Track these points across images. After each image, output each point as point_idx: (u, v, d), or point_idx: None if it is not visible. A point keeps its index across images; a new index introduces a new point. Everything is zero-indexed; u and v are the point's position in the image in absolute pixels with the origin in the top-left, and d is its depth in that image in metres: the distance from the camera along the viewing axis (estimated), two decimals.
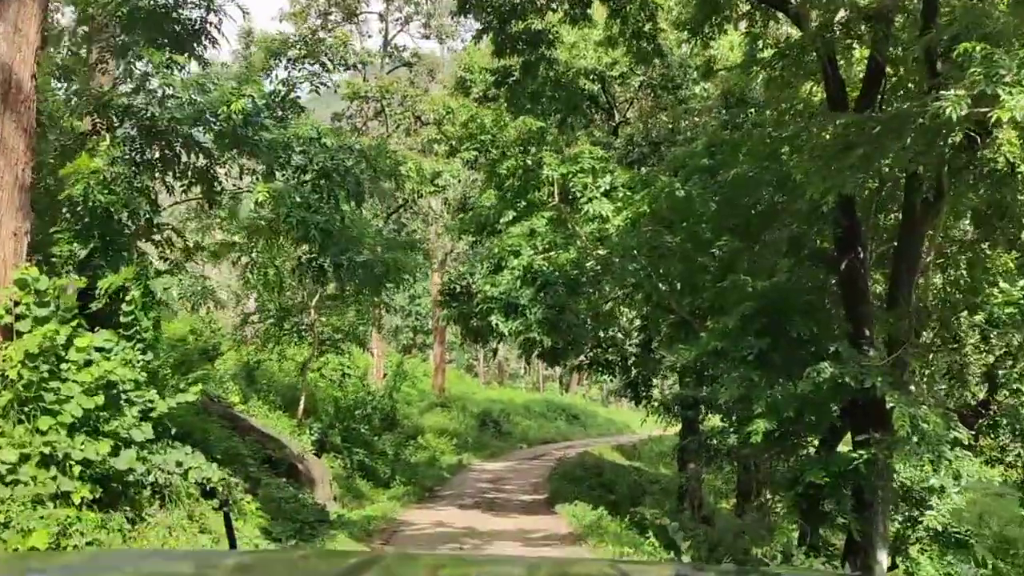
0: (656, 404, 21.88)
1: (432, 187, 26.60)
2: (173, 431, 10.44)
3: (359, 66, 34.55)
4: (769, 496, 25.28)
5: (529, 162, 16.82)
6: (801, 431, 14.36)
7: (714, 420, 22.88)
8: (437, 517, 16.53)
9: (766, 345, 13.53)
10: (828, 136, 12.48)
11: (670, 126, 23.42)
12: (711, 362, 15.34)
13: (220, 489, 11.68)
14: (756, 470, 25.07)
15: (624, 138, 23.11)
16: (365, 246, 12.45)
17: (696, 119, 23.13)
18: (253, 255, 12.44)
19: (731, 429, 16.18)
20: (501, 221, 17.10)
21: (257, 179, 11.17)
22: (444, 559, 3.82)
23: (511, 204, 17.36)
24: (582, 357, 18.63)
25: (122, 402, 9.36)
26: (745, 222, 15.63)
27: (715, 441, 22.24)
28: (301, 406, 19.25)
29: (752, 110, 19.86)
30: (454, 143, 26.76)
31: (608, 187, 16.70)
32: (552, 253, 16.54)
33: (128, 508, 9.35)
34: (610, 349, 18.18)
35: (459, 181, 27.52)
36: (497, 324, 15.59)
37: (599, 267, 16.36)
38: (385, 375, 30.88)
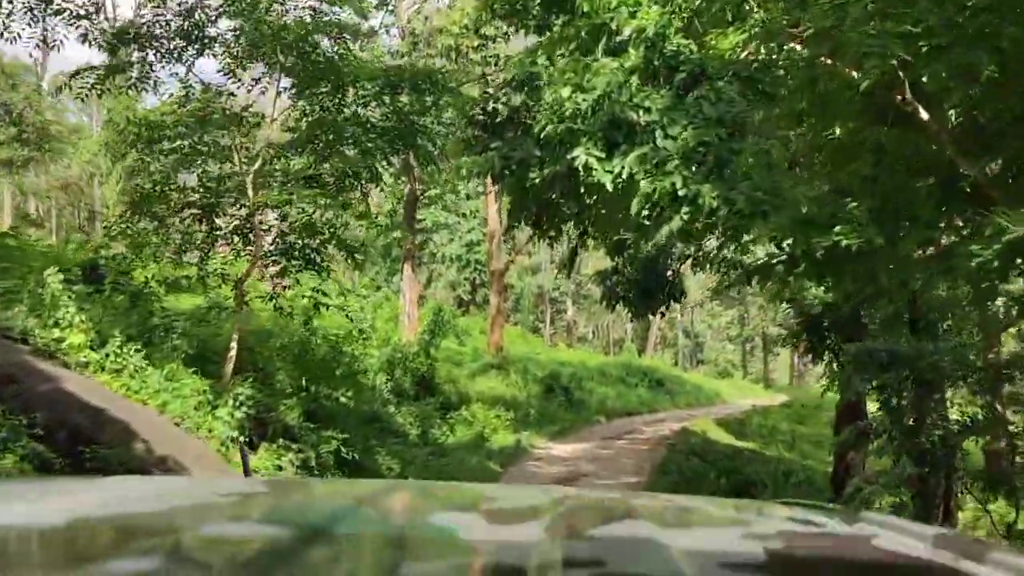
0: (848, 361, 13.45)
1: (477, 39, 17.86)
2: None
3: None
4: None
5: None
6: None
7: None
8: None
9: None
10: None
11: None
12: None
13: None
14: (953, 468, 16.96)
15: None
16: None
17: None
18: None
19: None
20: None
21: None
22: (467, 489, 3.12)
23: None
24: (767, 251, 9.11)
25: None
26: None
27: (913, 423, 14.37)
28: (230, 358, 10.79)
29: None
30: None
31: None
32: (705, 37, 7.66)
33: None
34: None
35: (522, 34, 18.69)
36: (589, 164, 6.66)
37: (800, 58, 7.48)
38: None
